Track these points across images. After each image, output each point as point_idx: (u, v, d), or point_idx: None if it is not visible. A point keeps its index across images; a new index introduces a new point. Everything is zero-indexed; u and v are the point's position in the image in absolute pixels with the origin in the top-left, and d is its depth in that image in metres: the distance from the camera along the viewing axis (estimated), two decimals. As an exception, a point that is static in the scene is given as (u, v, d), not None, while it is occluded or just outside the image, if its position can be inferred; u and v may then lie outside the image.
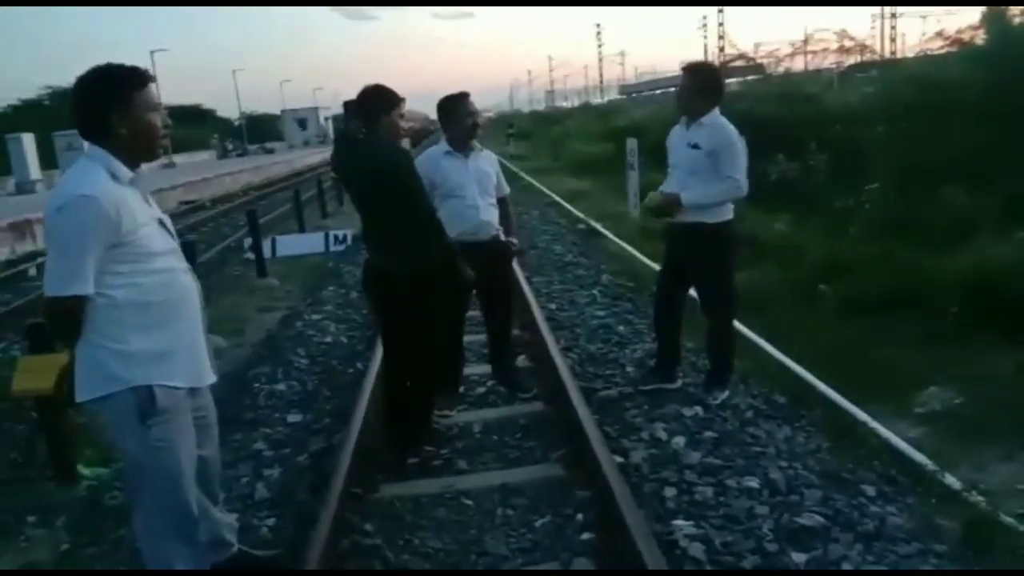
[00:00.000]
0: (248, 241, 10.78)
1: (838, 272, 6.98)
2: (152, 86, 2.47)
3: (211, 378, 2.65)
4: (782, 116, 15.25)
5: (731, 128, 4.15)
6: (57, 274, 2.27)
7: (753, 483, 3.37)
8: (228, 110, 79.61)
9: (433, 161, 4.36)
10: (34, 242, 15.01)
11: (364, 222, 3.84)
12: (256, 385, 5.29)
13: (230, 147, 55.31)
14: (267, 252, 11.01)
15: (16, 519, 3.79)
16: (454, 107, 4.33)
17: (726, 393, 4.38)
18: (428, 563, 3.09)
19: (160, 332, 2.41)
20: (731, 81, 33.77)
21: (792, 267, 7.57)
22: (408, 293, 3.66)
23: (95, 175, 2.32)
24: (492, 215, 4.44)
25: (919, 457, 3.65)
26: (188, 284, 2.55)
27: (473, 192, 4.33)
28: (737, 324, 5.75)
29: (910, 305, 5.95)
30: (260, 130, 72.70)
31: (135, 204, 2.38)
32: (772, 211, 10.48)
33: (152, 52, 48.67)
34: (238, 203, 20.31)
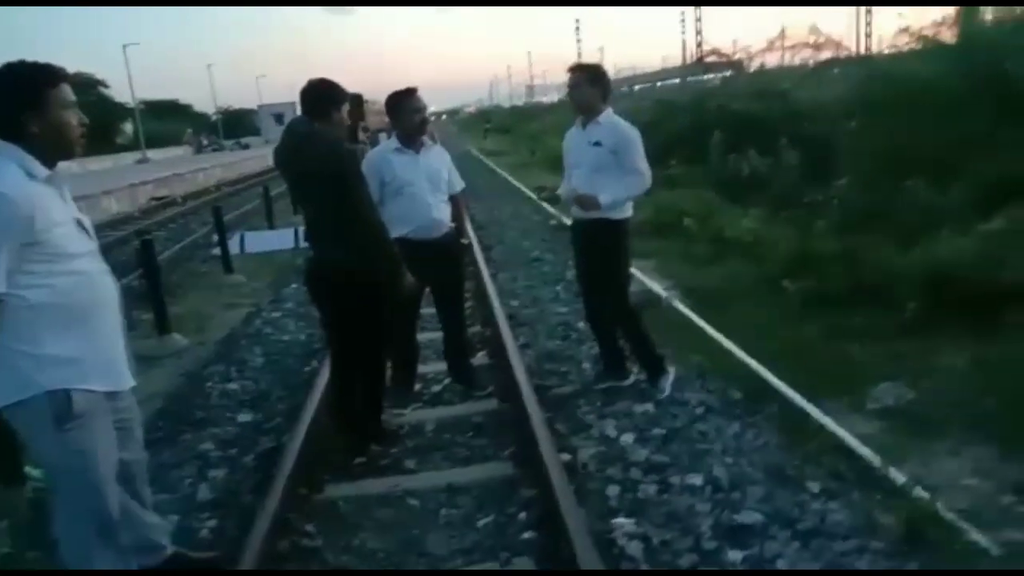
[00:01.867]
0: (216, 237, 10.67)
1: (803, 267, 6.99)
2: (65, 84, 2.40)
3: (130, 382, 2.59)
4: (754, 112, 15.35)
5: (628, 124, 4.27)
6: None
7: (696, 480, 3.37)
8: (205, 105, 78.80)
9: (383, 157, 4.32)
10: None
11: (307, 218, 3.78)
12: (209, 384, 5.22)
13: (205, 142, 54.89)
14: (236, 248, 10.90)
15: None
16: (401, 103, 4.29)
17: (670, 377, 4.42)
18: (367, 564, 3.05)
19: (75, 335, 2.35)
20: (708, 77, 34.04)
21: (758, 263, 7.60)
22: (351, 291, 3.62)
23: (6, 171, 2.25)
24: (443, 212, 4.41)
25: (866, 452, 3.66)
26: (106, 286, 2.49)
27: (423, 189, 4.30)
28: (698, 319, 5.81)
29: (872, 300, 5.97)
30: (237, 125, 72.13)
31: (50, 203, 2.32)
32: (743, 206, 10.54)
33: (124, 46, 48.15)
34: (210, 199, 20.10)
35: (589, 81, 4.29)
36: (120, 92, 60.08)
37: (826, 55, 24.64)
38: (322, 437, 4.01)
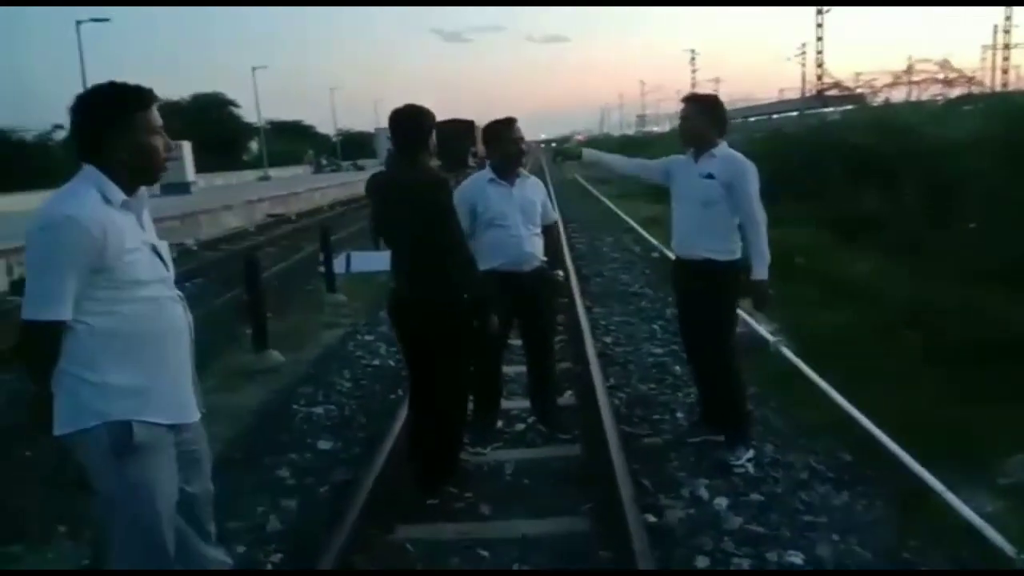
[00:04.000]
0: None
1: (926, 317, 6.45)
2: (154, 108, 2.35)
3: (196, 415, 2.51)
4: (876, 148, 14.56)
5: (744, 158, 3.99)
6: (34, 297, 2.16)
7: (797, 558, 3.03)
8: (326, 127, 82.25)
9: (477, 188, 4.21)
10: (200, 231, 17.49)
11: (393, 249, 3.69)
12: (295, 406, 5.21)
13: (324, 162, 57.15)
14: (342, 267, 11.11)
15: (47, 528, 3.78)
16: (499, 133, 4.17)
17: (750, 452, 4.03)
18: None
19: (141, 365, 2.27)
20: (828, 110, 32.76)
21: (875, 309, 7.07)
22: (434, 326, 3.49)
23: (84, 196, 2.21)
24: (536, 245, 4.25)
25: (995, 536, 3.21)
26: (175, 315, 2.41)
27: (516, 221, 4.16)
28: (807, 370, 5.39)
29: (1006, 360, 5.41)
30: (355, 147, 74.86)
31: (125, 228, 2.26)
32: (859, 247, 9.93)
33: (254, 69, 50.82)
34: (322, 217, 20.74)
35: (703, 111, 4.05)
36: (248, 112, 63.48)
37: (958, 91, 23.23)
38: (398, 473, 3.88)
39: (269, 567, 3.23)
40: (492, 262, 4.11)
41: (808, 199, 13.67)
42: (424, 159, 3.50)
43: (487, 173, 4.25)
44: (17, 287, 10.97)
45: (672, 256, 4.25)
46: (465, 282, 3.47)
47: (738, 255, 4.00)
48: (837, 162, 13.68)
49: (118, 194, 2.27)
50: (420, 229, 3.42)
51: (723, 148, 4.01)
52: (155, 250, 2.39)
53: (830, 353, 5.85)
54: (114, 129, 2.26)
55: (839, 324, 6.75)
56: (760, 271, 3.86)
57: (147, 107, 2.32)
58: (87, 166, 2.28)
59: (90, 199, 2.20)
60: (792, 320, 6.97)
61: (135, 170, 2.31)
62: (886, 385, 5.12)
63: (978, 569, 2.48)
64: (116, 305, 2.22)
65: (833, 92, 28.75)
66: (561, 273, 4.47)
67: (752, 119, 51.53)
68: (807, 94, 35.02)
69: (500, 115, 4.38)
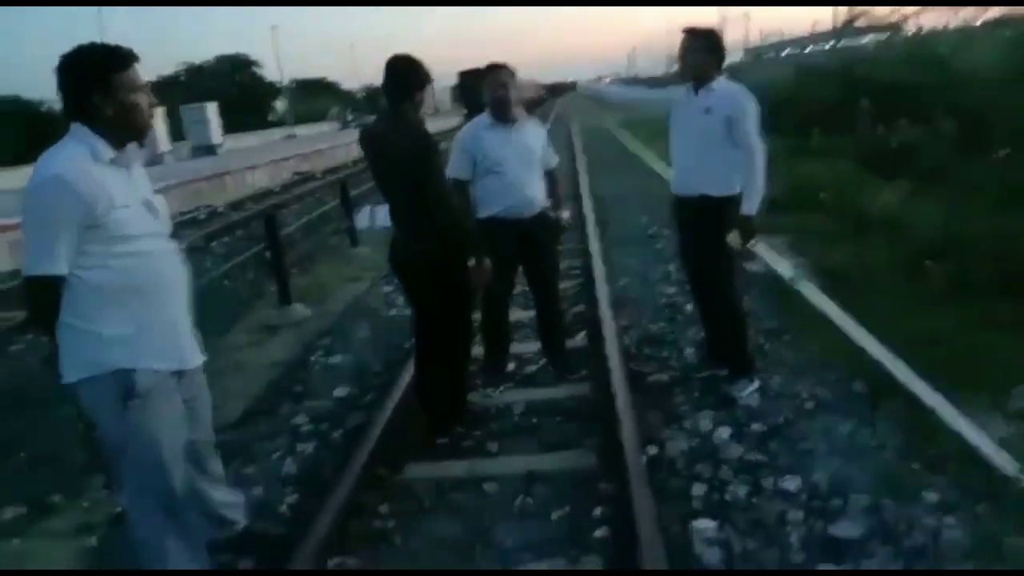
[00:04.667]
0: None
1: (950, 249, 6.33)
2: (136, 66, 2.41)
3: (197, 360, 2.61)
4: (907, 79, 14.12)
5: (745, 91, 3.90)
6: (32, 254, 2.27)
7: (792, 484, 3.08)
8: (352, 83, 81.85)
9: (474, 134, 4.20)
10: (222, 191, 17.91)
11: (387, 200, 3.72)
12: (314, 357, 5.34)
13: (350, 118, 57.02)
14: (366, 222, 11.19)
15: (82, 480, 3.96)
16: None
17: (755, 384, 4.05)
18: (434, 550, 2.99)
19: (138, 315, 2.37)
20: (865, 40, 31.71)
21: (899, 242, 6.95)
22: (430, 275, 3.54)
23: (72, 154, 2.29)
24: (536, 190, 4.24)
25: (1001, 460, 3.22)
26: (171, 266, 2.51)
27: (515, 166, 4.14)
28: (826, 303, 5.35)
29: (1028, 290, 5.31)
30: (381, 101, 74.50)
31: (114, 185, 2.33)
32: (889, 179, 9.71)
33: (272, 27, 50.69)
34: (348, 173, 20.78)
35: (701, 44, 3.97)
36: (272, 71, 63.50)
37: (992, 14, 22.24)
38: (408, 416, 3.99)
39: (284, 508, 3.36)
40: (492, 208, 4.13)
41: (839, 134, 13.37)
42: (408, 111, 3.49)
43: (485, 119, 4.23)
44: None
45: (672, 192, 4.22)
46: (452, 233, 3.49)
47: (737, 190, 3.96)
48: (868, 95, 13.29)
49: (107, 151, 2.34)
50: (405, 181, 3.43)
51: (722, 81, 3.95)
52: (149, 205, 2.46)
53: (851, 287, 5.80)
54: (97, 89, 2.32)
55: (862, 257, 6.67)
56: (750, 206, 3.82)
57: (128, 66, 2.38)
58: (76, 124, 2.36)
59: (78, 157, 2.28)
60: (815, 254, 6.91)
61: (121, 127, 2.38)
62: (906, 317, 5.08)
63: (978, 569, 2.50)
64: (108, 259, 2.31)
65: (863, 23, 27.78)
66: (567, 215, 4.46)
67: (784, 53, 50.13)
68: (838, 25, 33.94)
69: (524, 62, 4.35)
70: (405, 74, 3.47)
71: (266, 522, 3.15)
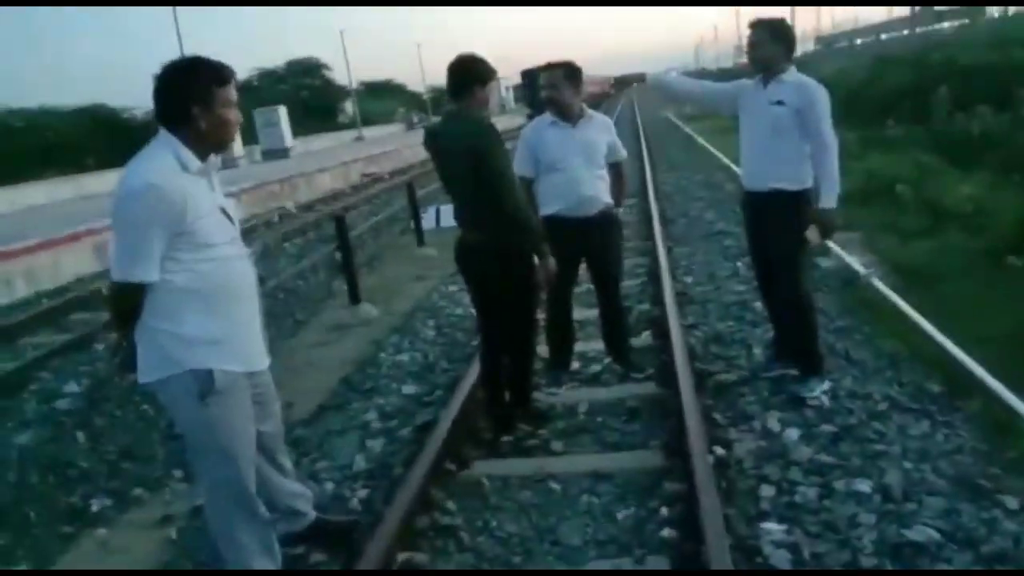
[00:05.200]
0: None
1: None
2: (232, 84, 2.51)
3: (265, 362, 2.71)
4: (989, 63, 13.55)
5: (815, 82, 3.83)
6: (123, 260, 2.37)
7: (864, 486, 3.01)
8: (418, 84, 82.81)
9: (537, 132, 4.23)
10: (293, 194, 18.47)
11: (453, 198, 3.78)
12: (383, 355, 5.45)
13: (416, 119, 57.74)
14: (432, 222, 11.34)
15: (164, 473, 4.15)
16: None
17: (825, 385, 3.95)
18: (500, 547, 3.03)
19: (217, 317, 2.48)
20: (944, 25, 30.51)
21: (980, 236, 6.69)
22: (496, 271, 3.58)
23: (164, 163, 2.38)
24: (598, 188, 4.23)
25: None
26: (245, 271, 2.61)
27: (576, 164, 4.14)
28: (900, 301, 5.19)
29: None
30: (446, 102, 75.11)
31: (200, 194, 2.44)
32: (969, 170, 9.34)
33: (341, 31, 51.61)
34: (415, 174, 21.09)
35: (770, 36, 3.90)
36: (341, 74, 64.71)
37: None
38: (475, 413, 4.04)
39: (355, 502, 3.45)
40: (553, 206, 4.15)
41: (916, 123, 12.92)
42: (472, 108, 3.54)
43: (548, 117, 4.26)
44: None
45: (741, 187, 4.16)
46: (518, 229, 3.52)
47: (809, 184, 3.89)
48: (947, 81, 12.81)
49: (194, 161, 2.45)
50: (472, 175, 3.49)
51: (793, 73, 3.87)
52: (224, 211, 2.57)
53: (927, 283, 5.63)
54: (197, 102, 2.42)
55: (939, 252, 6.44)
56: (829, 199, 3.74)
57: (228, 82, 2.49)
58: (164, 132, 2.46)
59: (169, 167, 2.38)
60: (889, 250, 6.71)
61: (211, 140, 2.49)
62: (986, 314, 4.90)
63: (979, 569, 2.42)
64: (194, 264, 2.42)
65: (942, 8, 26.68)
66: (620, 209, 4.47)
67: (859, 42, 48.59)
68: (916, 11, 32.71)
69: (590, 59, 4.37)
70: (468, 72, 3.52)
71: (337, 515, 3.24)
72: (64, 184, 26.35)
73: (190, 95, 2.42)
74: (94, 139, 39.40)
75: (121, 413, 5.10)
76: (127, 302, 2.42)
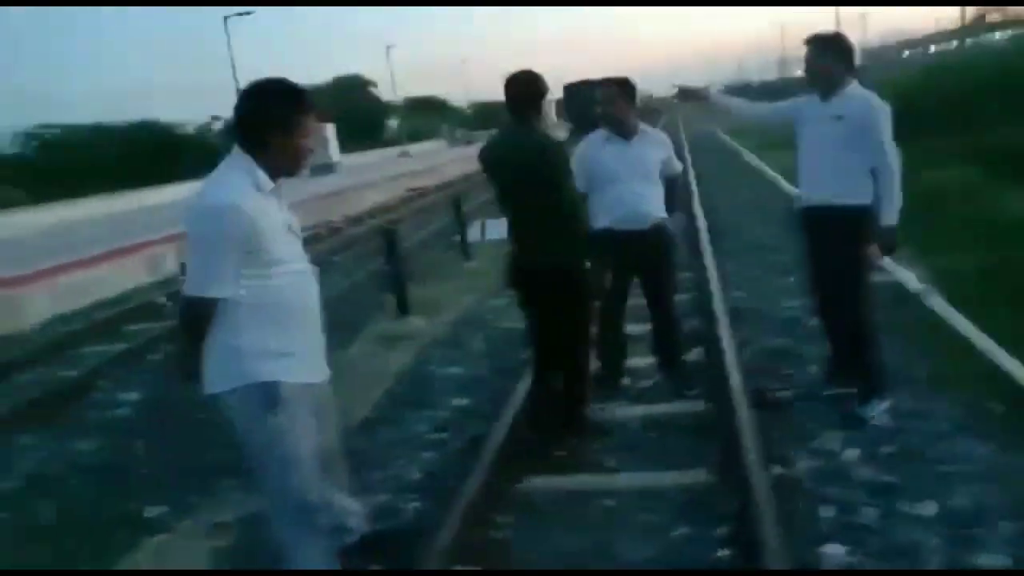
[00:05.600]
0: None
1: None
2: (313, 113, 2.56)
3: (327, 373, 2.75)
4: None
5: (877, 97, 3.77)
6: (200, 276, 2.43)
7: (930, 509, 2.93)
8: (460, 99, 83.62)
9: (593, 148, 4.25)
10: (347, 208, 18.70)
11: (510, 214, 3.79)
12: (433, 367, 5.49)
13: (459, 135, 58.27)
14: (478, 235, 11.42)
15: (219, 481, 4.22)
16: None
17: (885, 404, 3.86)
18: (553, 563, 3.01)
19: (284, 331, 2.53)
20: (997, 36, 29.80)
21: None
22: (557, 288, 3.59)
23: (241, 184, 2.44)
24: (652, 202, 4.23)
25: None
26: (310, 286, 2.66)
27: (630, 179, 4.16)
28: (958, 317, 5.07)
29: None
30: (489, 117, 75.69)
31: (272, 213, 2.49)
32: (1020, 182, 9.09)
33: (388, 48, 52.53)
34: (459, 189, 21.26)
35: (826, 50, 3.87)
36: (386, 91, 65.61)
37: None
38: (527, 427, 4.03)
39: (407, 513, 3.47)
40: (606, 220, 4.16)
41: (965, 135, 12.63)
42: (536, 123, 3.57)
43: (603, 132, 4.27)
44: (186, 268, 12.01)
45: (800, 203, 4.11)
46: (579, 244, 3.53)
47: (869, 200, 3.82)
48: (998, 93, 12.51)
49: (268, 183, 2.51)
50: (538, 189, 3.49)
51: (854, 87, 3.82)
52: (291, 228, 2.62)
53: (981, 299, 5.48)
54: (277, 127, 2.48)
55: (993, 268, 6.28)
56: (890, 216, 3.68)
57: (310, 112, 2.55)
58: (238, 151, 2.52)
59: (246, 187, 2.44)
60: (943, 265, 6.55)
61: (285, 164, 2.55)
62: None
63: (979, 569, 2.34)
64: (264, 280, 2.47)
65: (995, 17, 26.07)
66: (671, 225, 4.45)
67: (906, 54, 47.74)
68: (966, 21, 32.04)
69: (629, 71, 4.40)
70: (533, 87, 3.57)
71: (391, 527, 3.26)
72: (121, 199, 27.11)
73: (271, 120, 2.47)
74: (150, 154, 40.47)
75: (178, 423, 5.21)
76: (200, 317, 2.47)
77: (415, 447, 4.17)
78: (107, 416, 5.57)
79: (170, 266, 12.21)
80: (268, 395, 2.50)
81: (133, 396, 5.91)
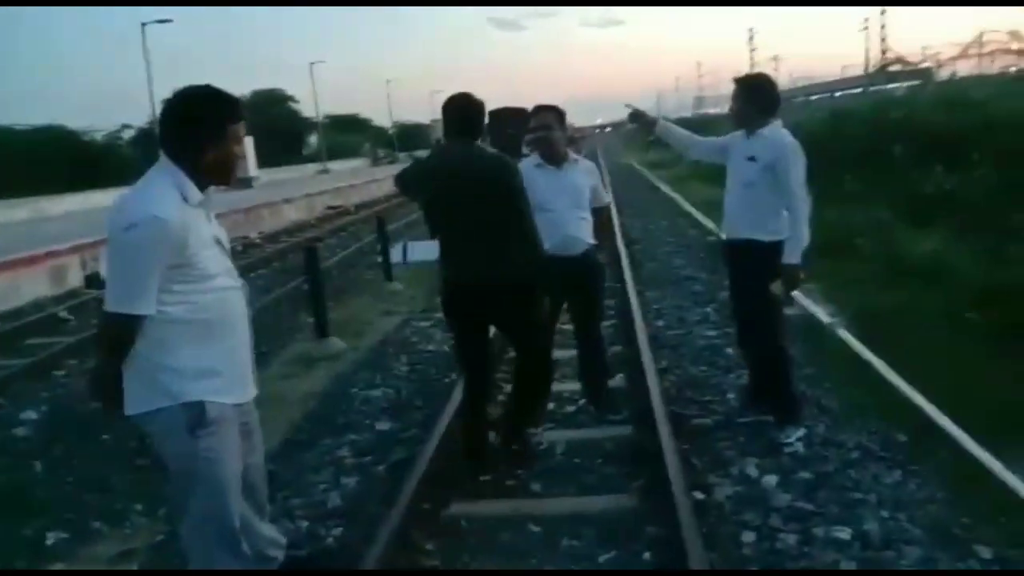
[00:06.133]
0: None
1: (993, 299, 6.27)
2: (243, 120, 2.50)
3: (254, 393, 2.67)
4: (943, 123, 14.07)
5: (790, 140, 3.94)
6: (123, 291, 2.32)
7: (844, 534, 3.04)
8: (383, 119, 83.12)
9: (525, 173, 4.27)
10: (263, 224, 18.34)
11: (450, 235, 3.70)
12: (355, 390, 5.39)
13: (381, 154, 57.89)
14: (399, 257, 11.31)
15: (125, 506, 4.01)
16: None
17: (800, 431, 4.02)
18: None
19: (212, 349, 2.44)
20: (893, 86, 31.73)
21: (940, 291, 6.90)
22: (511, 307, 3.60)
23: (167, 195, 2.34)
24: (583, 229, 4.31)
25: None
26: (239, 302, 2.57)
27: (562, 206, 4.21)
28: (865, 351, 5.32)
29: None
30: (411, 138, 75.55)
31: (199, 226, 2.41)
32: (925, 227, 9.66)
33: (311, 64, 51.75)
34: (380, 208, 21.08)
35: (745, 93, 4.06)
36: (307, 107, 64.64)
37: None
38: (453, 452, 4.00)
39: (330, 541, 3.38)
40: None
41: (872, 179, 13.32)
42: (482, 145, 3.60)
43: (534, 159, 4.32)
44: (91, 281, 11.48)
45: (724, 236, 4.28)
46: (533, 262, 3.57)
47: (783, 236, 3.99)
48: (902, 140, 13.27)
49: (196, 194, 2.41)
50: (489, 212, 3.50)
51: (770, 129, 3.98)
52: (219, 242, 2.54)
53: (889, 334, 5.76)
54: (209, 135, 2.40)
55: (901, 305, 6.62)
56: (793, 255, 3.85)
57: (241, 119, 2.48)
58: (165, 162, 2.41)
59: (172, 199, 2.34)
60: (852, 301, 6.87)
61: (215, 173, 2.47)
62: (946, 366, 5.03)
63: (980, 570, 2.47)
64: (191, 296, 2.38)
65: (896, 67, 27.81)
66: (602, 256, 4.54)
67: (814, 97, 50.19)
68: (870, 70, 34.00)
69: (555, 102, 4.46)
70: (480, 109, 3.60)
71: (313, 554, 3.17)
72: (21, 207, 25.68)
73: (203, 127, 2.40)
74: (52, 161, 38.56)
75: (81, 442, 4.94)
76: (122, 334, 2.35)
77: (337, 472, 4.07)
78: (5, 435, 5.23)
79: (74, 279, 11.65)
80: (194, 416, 2.40)
81: (32, 415, 5.58)
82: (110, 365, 2.44)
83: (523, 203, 3.56)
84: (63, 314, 9.46)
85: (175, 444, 2.44)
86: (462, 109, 3.59)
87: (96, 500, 4.12)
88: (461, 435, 3.98)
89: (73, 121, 47.47)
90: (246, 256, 13.36)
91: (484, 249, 3.61)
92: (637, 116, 4.62)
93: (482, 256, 3.62)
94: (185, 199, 2.37)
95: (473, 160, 3.58)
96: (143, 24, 33.48)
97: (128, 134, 42.67)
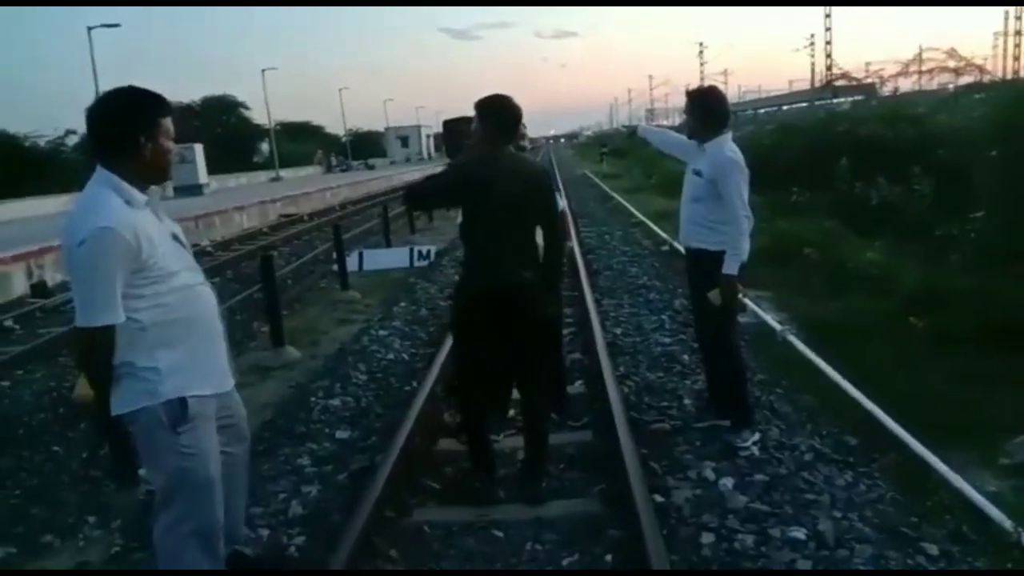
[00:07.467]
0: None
1: (933, 305, 6.52)
2: (171, 116, 2.52)
3: (232, 381, 2.71)
4: (885, 137, 14.56)
5: (731, 155, 4.01)
6: (89, 305, 2.32)
7: (799, 533, 3.14)
8: (336, 127, 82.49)
9: None
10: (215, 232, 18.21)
11: (492, 239, 3.51)
12: (313, 399, 5.35)
13: (334, 162, 57.32)
14: (354, 265, 11.24)
15: (77, 519, 3.93)
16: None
17: (756, 436, 4.13)
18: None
19: (186, 345, 2.47)
20: (837, 101, 32.70)
21: (883, 298, 7.14)
22: (542, 307, 3.62)
23: (111, 204, 2.35)
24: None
25: (996, 513, 3.31)
26: (206, 295, 2.62)
27: None
28: (814, 357, 5.47)
29: (1010, 344, 5.47)
30: (365, 146, 75.00)
31: (150, 226, 2.43)
32: (869, 236, 9.97)
33: (263, 71, 51.07)
34: (334, 216, 20.90)
35: (692, 107, 4.20)
36: (258, 114, 63.83)
37: (967, 79, 23.13)
38: (415, 459, 4.00)
39: (292, 549, 3.36)
40: None
41: (818, 191, 13.69)
42: (513, 149, 3.65)
43: None
44: (38, 290, 11.17)
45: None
46: (559, 267, 3.74)
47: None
48: (846, 152, 13.67)
49: (138, 196, 2.43)
50: (532, 217, 3.57)
51: (715, 143, 4.06)
52: (176, 237, 2.56)
53: (837, 340, 5.94)
54: (143, 133, 2.41)
55: (847, 312, 6.83)
56: (730, 266, 3.94)
57: (169, 113, 2.49)
58: (100, 170, 2.42)
59: (117, 206, 2.35)
60: (800, 309, 7.06)
61: (152, 171, 2.48)
62: (891, 370, 5.22)
63: (979, 569, 2.58)
64: (158, 298, 2.41)
65: (842, 82, 28.67)
66: (570, 244, 4.64)
67: (762, 111, 51.36)
68: (817, 85, 34.97)
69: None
70: (518, 111, 3.54)
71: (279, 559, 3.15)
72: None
73: (136, 126, 2.41)
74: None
75: (29, 454, 4.82)
76: (97, 347, 2.37)
77: (297, 480, 4.04)
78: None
79: (19, 287, 11.32)
80: (175, 412, 2.43)
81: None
82: (95, 378, 2.45)
83: (556, 209, 3.71)
84: (8, 323, 9.18)
85: (158, 441, 2.46)
86: (501, 111, 3.48)
87: (47, 513, 4.02)
88: (471, 452, 3.87)
89: (15, 126, 45.90)
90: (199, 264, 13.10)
91: (518, 252, 3.56)
92: (631, 129, 5.21)
93: (516, 259, 3.54)
94: (130, 204, 2.39)
95: (525, 166, 3.64)
96: (89, 28, 32.62)
97: (72, 140, 41.41)
